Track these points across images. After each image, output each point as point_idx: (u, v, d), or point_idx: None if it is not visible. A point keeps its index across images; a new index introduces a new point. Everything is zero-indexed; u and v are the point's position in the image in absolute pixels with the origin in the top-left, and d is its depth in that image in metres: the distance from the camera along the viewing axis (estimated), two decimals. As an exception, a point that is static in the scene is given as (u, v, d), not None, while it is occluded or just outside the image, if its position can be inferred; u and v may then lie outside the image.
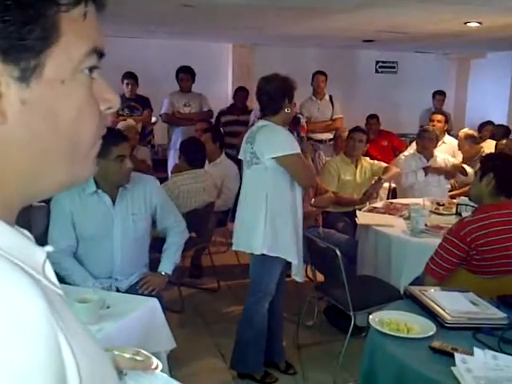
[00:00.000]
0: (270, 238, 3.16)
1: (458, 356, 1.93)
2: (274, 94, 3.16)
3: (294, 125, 3.50)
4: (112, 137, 2.88)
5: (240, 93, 7.45)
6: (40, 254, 0.59)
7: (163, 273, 3.10)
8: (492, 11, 5.13)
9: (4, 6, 0.53)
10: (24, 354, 0.49)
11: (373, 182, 4.95)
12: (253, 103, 7.23)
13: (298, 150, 3.14)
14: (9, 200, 0.59)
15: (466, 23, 5.80)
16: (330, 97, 7.11)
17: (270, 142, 3.13)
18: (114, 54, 8.89)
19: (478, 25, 5.83)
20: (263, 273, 3.28)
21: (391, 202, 4.85)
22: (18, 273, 0.53)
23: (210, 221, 4.77)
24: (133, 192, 3.03)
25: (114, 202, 2.99)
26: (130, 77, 6.68)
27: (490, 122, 7.44)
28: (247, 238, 3.24)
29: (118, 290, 3.01)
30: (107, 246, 2.99)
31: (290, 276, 4.40)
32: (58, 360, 0.52)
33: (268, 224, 3.16)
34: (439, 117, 6.13)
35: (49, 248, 0.60)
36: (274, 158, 3.09)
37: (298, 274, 3.36)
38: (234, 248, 3.43)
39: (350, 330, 3.40)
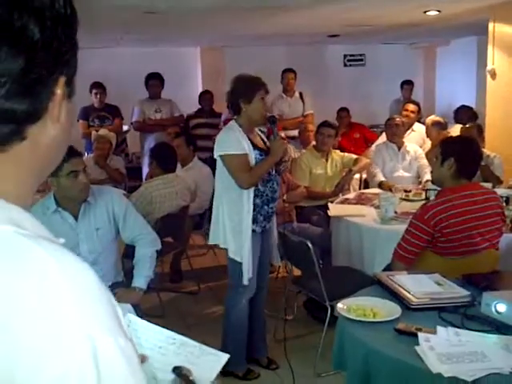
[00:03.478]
0: (222, 232, 3.30)
1: (421, 335, 1.99)
2: (230, 96, 3.31)
3: (270, 124, 3.48)
4: None
5: (204, 96, 7.50)
6: (58, 241, 0.68)
7: (136, 289, 3.06)
8: (449, -1, 5.23)
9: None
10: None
11: (343, 174, 5.01)
12: (220, 106, 7.28)
13: (239, 151, 3.18)
14: (31, 193, 0.72)
15: (425, 12, 5.89)
16: (300, 93, 7.14)
17: (218, 141, 3.31)
18: (80, 66, 8.99)
19: (437, 13, 5.93)
20: (234, 267, 3.34)
21: (362, 193, 4.92)
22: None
23: (185, 224, 4.79)
24: (95, 206, 3.02)
25: (76, 218, 2.98)
26: (98, 86, 6.69)
27: (464, 106, 7.52)
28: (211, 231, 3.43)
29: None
30: None
31: (272, 272, 4.48)
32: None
33: (220, 219, 3.31)
34: (412, 107, 6.19)
35: (62, 240, 0.70)
36: (218, 156, 3.25)
37: (244, 277, 3.32)
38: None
39: (327, 321, 3.45)
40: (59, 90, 0.67)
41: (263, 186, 3.32)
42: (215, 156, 3.30)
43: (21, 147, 0.65)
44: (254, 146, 3.29)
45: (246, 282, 3.32)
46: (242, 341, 3.46)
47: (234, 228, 3.26)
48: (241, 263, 3.27)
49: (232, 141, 3.21)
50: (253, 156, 3.24)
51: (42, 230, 0.67)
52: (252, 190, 3.25)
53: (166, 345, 1.05)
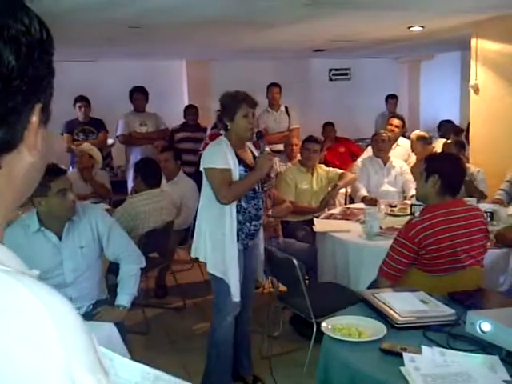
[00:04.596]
0: (203, 246, 3.27)
1: (406, 355, 1.98)
2: (218, 114, 3.33)
3: (257, 139, 3.41)
4: (48, 173, 2.84)
5: (189, 110, 7.48)
6: (32, 273, 0.66)
7: (120, 307, 3.02)
8: (432, 15, 5.28)
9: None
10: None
11: (329, 189, 5.02)
12: (205, 120, 7.27)
13: (222, 166, 3.16)
14: (4, 225, 0.69)
15: (409, 28, 5.95)
16: (286, 108, 7.14)
17: (203, 155, 3.32)
18: (65, 79, 8.93)
19: (420, 29, 5.99)
20: (217, 285, 3.30)
21: (348, 208, 4.92)
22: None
23: (170, 240, 4.76)
24: (79, 224, 2.99)
25: (60, 237, 2.94)
26: (82, 100, 6.66)
27: (447, 121, 7.62)
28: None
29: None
30: (59, 280, 2.94)
31: (257, 288, 4.45)
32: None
33: (202, 233, 3.28)
34: (396, 121, 6.21)
35: (36, 271, 0.67)
36: (203, 168, 3.24)
37: (234, 295, 3.27)
38: None
39: (313, 338, 3.42)
40: (35, 118, 0.65)
41: (246, 203, 3.28)
42: (201, 169, 3.28)
43: None
44: (241, 162, 3.25)
45: (237, 298, 3.26)
46: (228, 359, 3.42)
47: (214, 242, 3.22)
48: (222, 280, 3.23)
49: (217, 155, 3.19)
50: (237, 172, 3.21)
51: (17, 261, 0.65)
52: (234, 205, 3.21)
53: (141, 379, 1.00)
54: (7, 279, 0.58)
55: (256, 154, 3.39)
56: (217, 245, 3.21)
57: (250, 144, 3.45)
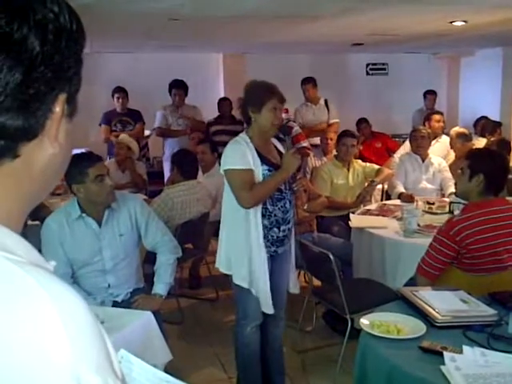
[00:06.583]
0: (224, 254, 3.06)
1: (446, 355, 1.95)
2: (241, 107, 3.07)
3: (283, 135, 3.21)
4: (85, 160, 2.91)
5: (223, 103, 7.47)
6: (49, 266, 0.65)
7: (157, 295, 3.08)
8: (476, 10, 5.17)
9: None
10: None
11: (366, 184, 4.97)
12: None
13: (242, 166, 2.86)
14: (22, 216, 0.68)
15: (451, 22, 5.84)
16: (326, 101, 7.05)
17: (223, 155, 3.02)
18: (104, 70, 8.98)
19: (463, 23, 5.87)
20: (237, 292, 3.09)
21: (385, 204, 4.87)
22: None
23: (206, 231, 4.79)
24: (119, 212, 3.05)
25: (100, 224, 3.00)
26: (120, 91, 6.73)
27: (483, 118, 7.47)
28: None
29: (114, 303, 3.08)
30: (99, 266, 3.02)
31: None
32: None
33: (224, 239, 3.06)
34: (437, 117, 6.15)
35: (53, 263, 0.66)
36: (223, 171, 2.98)
37: (264, 305, 3.03)
38: None
39: (347, 334, 3.41)
40: (58, 108, 0.64)
41: (272, 206, 2.97)
42: (220, 171, 3.02)
43: (13, 165, 0.62)
44: (264, 161, 2.95)
45: (270, 310, 3.04)
46: (252, 371, 3.23)
47: (238, 252, 2.96)
48: (243, 288, 2.99)
49: (236, 155, 2.90)
50: (260, 172, 2.92)
51: (33, 253, 0.63)
52: (259, 209, 2.92)
53: None
54: (16, 270, 0.56)
55: (282, 150, 3.10)
56: (242, 254, 2.95)
57: (274, 140, 3.17)
